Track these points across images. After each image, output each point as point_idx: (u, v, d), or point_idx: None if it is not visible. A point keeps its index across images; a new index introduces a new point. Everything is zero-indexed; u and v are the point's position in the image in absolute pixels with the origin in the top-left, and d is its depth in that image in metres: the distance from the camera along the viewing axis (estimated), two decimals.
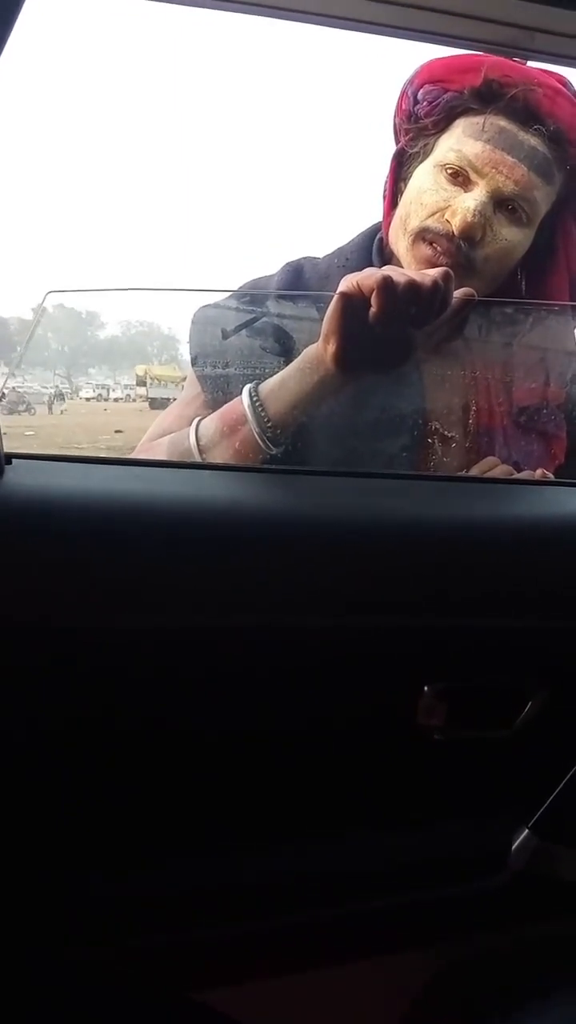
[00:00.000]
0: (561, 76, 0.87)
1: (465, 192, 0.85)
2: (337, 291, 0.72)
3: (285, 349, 0.83)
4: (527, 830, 0.80)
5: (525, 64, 0.87)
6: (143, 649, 0.65)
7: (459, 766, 0.77)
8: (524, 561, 0.73)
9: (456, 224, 0.84)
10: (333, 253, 0.95)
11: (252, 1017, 0.75)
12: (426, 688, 0.72)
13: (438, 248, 0.85)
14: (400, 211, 0.90)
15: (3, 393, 0.77)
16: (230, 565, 0.65)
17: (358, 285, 0.71)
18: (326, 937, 0.77)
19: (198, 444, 0.81)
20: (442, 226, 0.85)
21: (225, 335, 0.83)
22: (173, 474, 0.76)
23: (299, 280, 0.92)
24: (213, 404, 0.84)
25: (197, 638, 0.66)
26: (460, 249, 0.84)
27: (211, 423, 0.81)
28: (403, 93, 0.91)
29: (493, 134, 0.84)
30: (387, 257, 0.92)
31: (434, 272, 0.72)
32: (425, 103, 0.88)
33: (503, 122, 0.84)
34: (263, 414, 0.78)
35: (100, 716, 0.67)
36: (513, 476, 0.86)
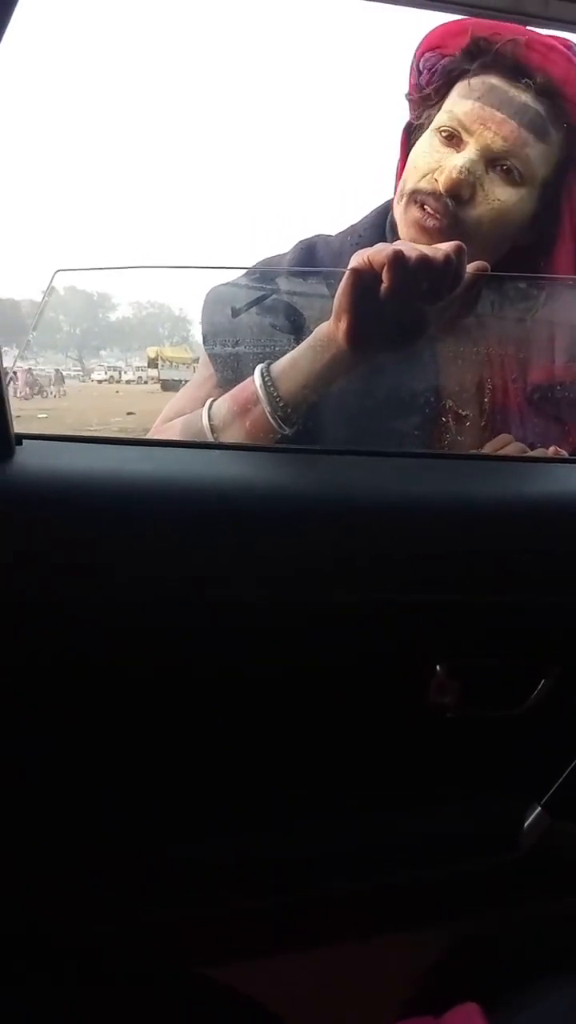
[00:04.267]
0: (567, 40, 0.85)
1: (457, 152, 0.83)
2: (348, 267, 0.72)
3: (296, 327, 0.82)
4: (539, 808, 0.80)
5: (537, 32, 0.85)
6: (153, 626, 0.66)
7: (472, 744, 0.77)
8: (538, 539, 0.72)
9: (442, 182, 0.82)
10: (346, 230, 0.94)
11: (261, 993, 0.75)
12: (438, 667, 0.72)
13: (427, 208, 0.83)
14: (401, 180, 0.88)
15: (14, 373, 0.77)
16: (242, 544, 0.65)
17: (369, 260, 0.70)
18: (337, 913, 0.78)
19: (211, 425, 0.81)
20: (430, 185, 0.84)
21: (235, 312, 0.83)
22: (184, 454, 0.75)
23: (312, 258, 0.92)
24: (224, 383, 0.84)
25: (208, 616, 0.66)
26: (448, 207, 0.83)
27: (223, 404, 0.81)
28: (412, 66, 0.90)
29: (483, 91, 0.83)
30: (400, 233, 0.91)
31: (446, 246, 0.72)
32: (426, 72, 0.87)
33: (493, 79, 0.83)
34: (275, 394, 0.77)
35: (104, 694, 0.67)
36: (526, 454, 0.86)
